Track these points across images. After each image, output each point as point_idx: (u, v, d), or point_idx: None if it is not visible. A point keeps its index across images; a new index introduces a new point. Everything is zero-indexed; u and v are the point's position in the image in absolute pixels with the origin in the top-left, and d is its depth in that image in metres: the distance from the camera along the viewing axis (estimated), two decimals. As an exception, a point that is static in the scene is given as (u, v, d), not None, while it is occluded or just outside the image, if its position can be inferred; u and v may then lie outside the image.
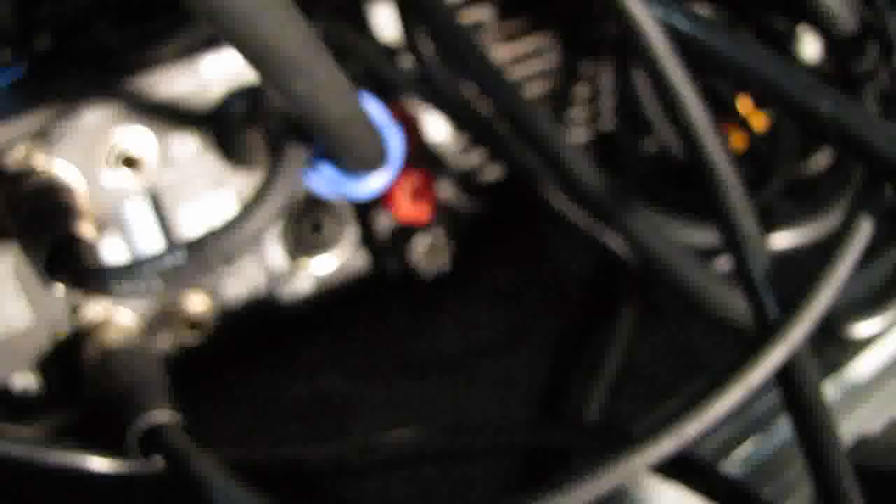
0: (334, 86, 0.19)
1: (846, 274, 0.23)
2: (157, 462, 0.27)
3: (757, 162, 0.37)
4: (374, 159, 0.26)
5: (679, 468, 0.23)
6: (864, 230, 0.24)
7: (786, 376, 0.23)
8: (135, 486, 0.28)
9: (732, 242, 0.25)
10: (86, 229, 0.27)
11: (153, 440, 0.27)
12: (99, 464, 0.27)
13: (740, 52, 0.24)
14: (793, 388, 0.23)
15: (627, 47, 0.40)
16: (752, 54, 0.24)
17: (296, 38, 0.18)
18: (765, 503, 0.23)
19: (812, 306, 0.23)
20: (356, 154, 0.22)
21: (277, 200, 0.21)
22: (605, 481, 0.21)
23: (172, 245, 0.27)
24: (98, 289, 0.22)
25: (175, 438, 0.26)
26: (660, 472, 0.23)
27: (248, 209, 0.21)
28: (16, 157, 0.30)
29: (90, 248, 0.25)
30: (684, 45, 0.25)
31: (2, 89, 0.36)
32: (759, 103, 0.38)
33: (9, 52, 0.37)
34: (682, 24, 0.25)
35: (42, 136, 0.30)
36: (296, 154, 0.22)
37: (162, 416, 0.27)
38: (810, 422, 0.23)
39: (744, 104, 0.41)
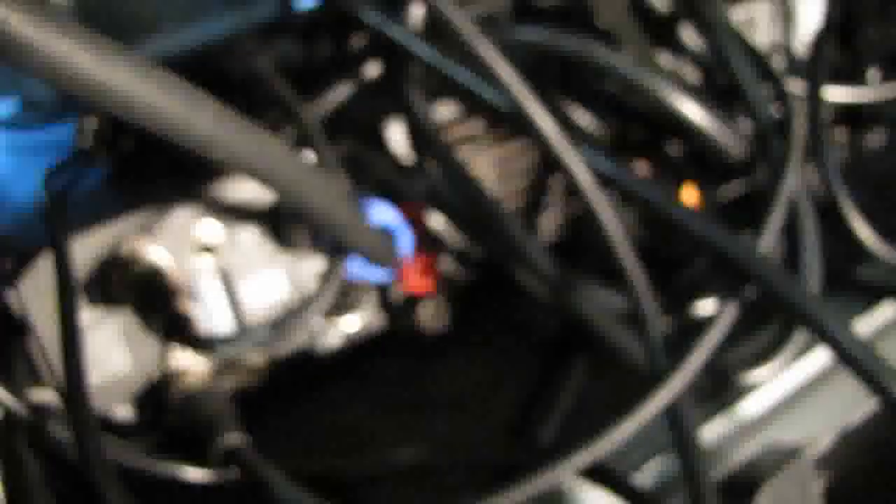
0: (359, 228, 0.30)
1: (716, 342, 0.35)
2: (234, 472, 0.38)
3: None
4: (387, 261, 0.37)
5: (600, 476, 0.34)
6: (729, 316, 0.35)
7: (672, 414, 0.34)
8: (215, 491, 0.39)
9: (640, 318, 0.36)
10: (186, 304, 0.39)
11: (230, 456, 0.38)
12: (191, 473, 0.39)
13: (644, 189, 0.36)
14: (678, 426, 0.34)
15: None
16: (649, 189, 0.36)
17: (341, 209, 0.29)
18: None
19: (688, 364, 0.34)
20: (373, 260, 0.33)
21: (332, 292, 0.33)
22: (536, 484, 0.32)
23: (263, 325, 0.38)
24: (207, 351, 0.34)
25: (247, 454, 0.38)
26: (587, 477, 0.34)
27: (315, 297, 0.33)
28: (127, 246, 0.42)
29: (193, 321, 0.37)
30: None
31: (104, 189, 0.47)
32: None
33: (104, 151, 0.49)
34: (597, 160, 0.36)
35: (144, 229, 0.42)
36: (339, 273, 0.33)
37: (236, 438, 0.38)
38: (688, 456, 0.34)
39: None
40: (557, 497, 0.34)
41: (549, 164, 0.52)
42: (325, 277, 0.33)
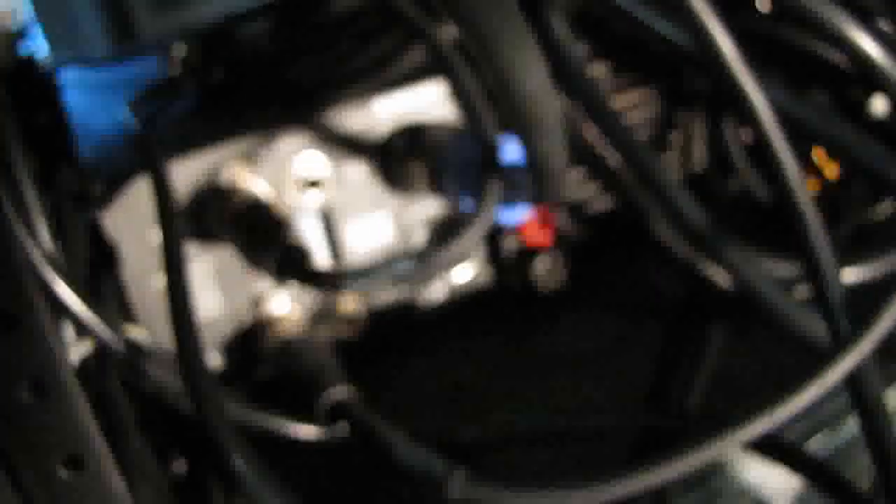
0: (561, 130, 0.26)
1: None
2: (343, 428, 0.35)
3: (829, 206, 0.45)
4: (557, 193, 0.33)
5: (772, 447, 0.31)
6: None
7: (854, 382, 0.31)
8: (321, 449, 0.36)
9: (814, 273, 0.33)
10: (297, 237, 0.36)
11: (339, 411, 0.35)
12: (300, 429, 0.36)
13: (832, 127, 0.32)
14: (860, 391, 0.31)
15: (717, 102, 0.49)
16: (841, 130, 0.32)
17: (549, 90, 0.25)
18: (844, 480, 0.31)
19: (877, 326, 0.31)
20: (552, 185, 0.29)
21: (483, 226, 0.29)
22: (707, 453, 0.28)
23: (404, 254, 0.35)
24: (334, 287, 0.30)
25: (359, 409, 0.35)
26: (755, 449, 0.31)
27: (463, 231, 0.29)
28: (227, 175, 0.39)
29: (309, 255, 0.33)
30: (783, 116, 0.33)
31: (197, 118, 0.44)
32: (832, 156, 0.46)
33: (193, 81, 0.46)
34: (784, 101, 0.33)
35: (246, 158, 0.39)
36: (496, 190, 0.30)
37: (343, 391, 0.35)
38: (874, 420, 0.31)
39: (819, 155, 0.49)
40: (719, 469, 0.31)
41: (668, 116, 0.49)
42: (481, 205, 0.29)
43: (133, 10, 0.90)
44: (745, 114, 0.31)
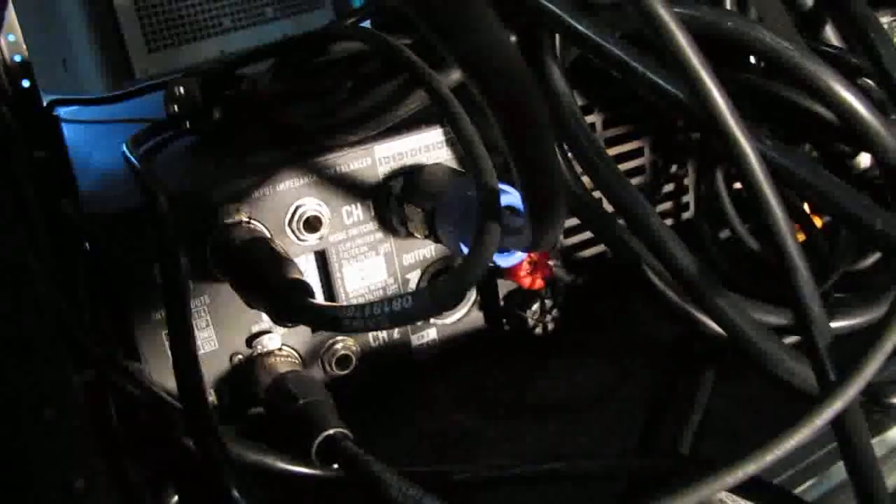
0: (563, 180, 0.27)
1: (890, 349, 0.32)
2: (335, 467, 0.36)
3: (816, 254, 0.47)
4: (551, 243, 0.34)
5: (760, 491, 0.32)
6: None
7: (841, 425, 0.32)
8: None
9: (803, 321, 0.34)
10: (297, 272, 0.36)
11: (330, 449, 0.36)
12: (292, 467, 0.36)
13: (817, 178, 0.34)
14: (846, 435, 0.32)
15: (708, 152, 0.50)
16: (826, 180, 0.34)
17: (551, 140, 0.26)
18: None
19: (863, 371, 0.32)
20: (549, 235, 0.30)
21: (483, 267, 0.30)
22: (696, 495, 0.29)
23: (401, 293, 0.35)
24: (331, 327, 0.31)
25: (351, 448, 0.35)
26: (744, 493, 0.32)
27: (462, 271, 0.30)
28: (226, 213, 0.40)
29: (310, 291, 0.34)
30: (772, 167, 0.34)
31: (196, 156, 0.46)
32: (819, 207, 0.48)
33: (193, 120, 0.47)
34: (773, 153, 0.34)
35: (245, 198, 0.40)
36: (495, 233, 0.31)
37: (335, 429, 0.36)
38: (860, 464, 0.32)
39: (807, 205, 0.50)
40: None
41: (658, 167, 0.51)
42: (477, 246, 0.30)
43: (130, 51, 0.92)
44: (737, 164, 0.32)
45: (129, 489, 0.30)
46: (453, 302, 0.32)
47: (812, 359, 0.33)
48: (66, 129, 0.56)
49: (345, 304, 0.35)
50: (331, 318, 0.31)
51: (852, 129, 0.39)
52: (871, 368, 0.32)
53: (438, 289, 0.29)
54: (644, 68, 0.37)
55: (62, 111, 0.60)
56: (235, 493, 0.28)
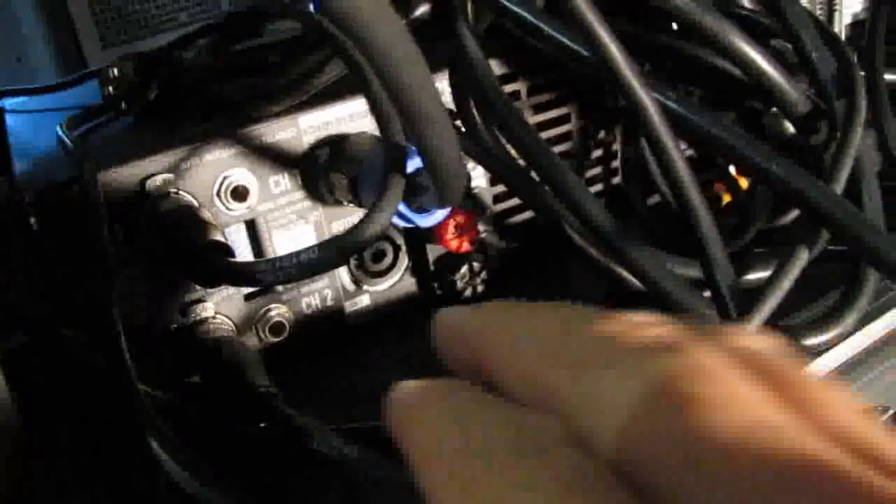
0: (452, 132, 0.29)
1: (787, 286, 0.34)
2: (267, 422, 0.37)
3: (740, 214, 0.48)
4: (456, 197, 0.35)
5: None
6: (802, 257, 0.34)
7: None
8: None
9: (706, 263, 0.35)
10: (220, 237, 0.38)
11: (259, 409, 0.37)
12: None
13: (714, 127, 0.35)
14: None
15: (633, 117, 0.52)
16: (724, 129, 0.35)
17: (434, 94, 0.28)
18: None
19: (761, 310, 0.33)
20: (449, 188, 0.32)
21: (385, 217, 0.32)
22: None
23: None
24: (247, 282, 0.33)
25: (281, 405, 0.37)
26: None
27: (364, 222, 0.31)
28: (154, 184, 0.41)
29: (231, 251, 0.35)
30: (675, 120, 0.36)
31: (130, 134, 0.47)
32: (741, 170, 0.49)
33: (129, 99, 0.48)
34: (675, 104, 0.36)
35: (172, 171, 0.41)
36: (399, 185, 0.32)
37: (264, 391, 0.37)
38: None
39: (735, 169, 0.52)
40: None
41: (586, 133, 0.52)
42: (382, 197, 0.31)
43: (84, 47, 0.93)
44: (636, 112, 0.33)
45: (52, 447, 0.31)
46: (356, 251, 0.33)
47: (715, 299, 0.35)
48: (10, 120, 0.57)
49: (258, 260, 0.36)
50: (245, 273, 0.32)
51: (759, 85, 0.40)
52: (768, 306, 0.34)
53: (342, 240, 0.31)
54: (552, 30, 0.38)
55: (6, 102, 0.61)
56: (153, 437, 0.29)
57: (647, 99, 0.34)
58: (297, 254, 0.31)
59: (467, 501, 0.15)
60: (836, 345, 0.39)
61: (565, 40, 0.38)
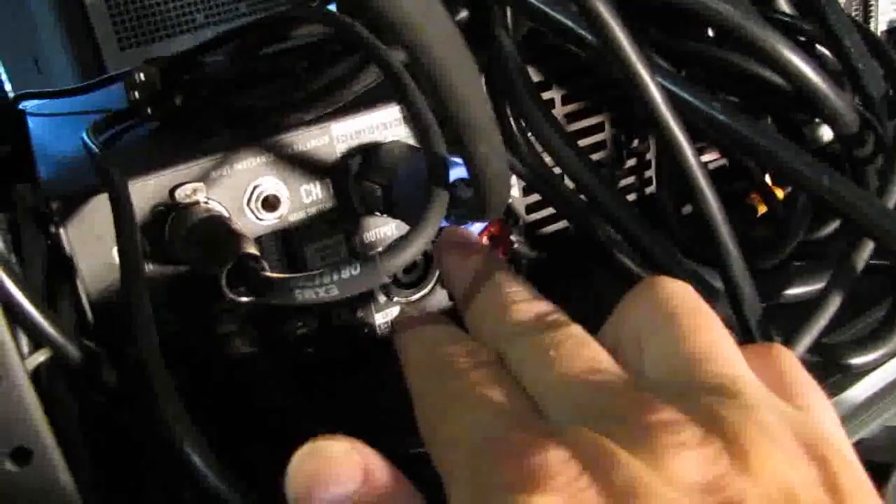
0: (501, 143, 0.28)
1: (837, 304, 0.33)
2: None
3: (778, 224, 0.47)
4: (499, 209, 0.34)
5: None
6: (850, 274, 0.33)
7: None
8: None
9: (726, 277, 0.34)
10: (253, 249, 0.37)
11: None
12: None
13: (759, 136, 0.34)
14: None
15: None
16: (769, 138, 0.34)
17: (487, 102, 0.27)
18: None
19: (810, 331, 0.32)
20: (494, 200, 0.31)
21: (430, 233, 0.31)
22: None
23: (348, 260, 0.36)
24: (283, 297, 0.32)
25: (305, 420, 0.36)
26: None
27: (408, 238, 0.31)
28: (183, 193, 0.40)
29: (263, 264, 0.35)
30: (712, 127, 0.35)
31: (157, 141, 0.46)
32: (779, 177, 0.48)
33: (153, 106, 0.48)
34: (711, 108, 0.35)
35: (202, 180, 0.40)
36: (443, 199, 0.32)
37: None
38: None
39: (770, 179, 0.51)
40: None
41: (619, 142, 0.51)
42: (426, 213, 0.30)
43: (103, 50, 0.92)
44: (647, 110, 0.33)
45: (81, 464, 0.30)
46: (400, 268, 0.32)
47: (739, 321, 0.34)
48: (32, 123, 0.56)
49: (293, 274, 0.35)
50: (282, 289, 0.32)
51: (803, 96, 0.39)
52: (817, 326, 0.33)
53: (386, 255, 0.30)
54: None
55: (28, 105, 0.60)
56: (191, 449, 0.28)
57: (664, 109, 0.33)
58: (338, 269, 0.30)
59: (425, 399, 0.25)
60: (882, 364, 0.38)
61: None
